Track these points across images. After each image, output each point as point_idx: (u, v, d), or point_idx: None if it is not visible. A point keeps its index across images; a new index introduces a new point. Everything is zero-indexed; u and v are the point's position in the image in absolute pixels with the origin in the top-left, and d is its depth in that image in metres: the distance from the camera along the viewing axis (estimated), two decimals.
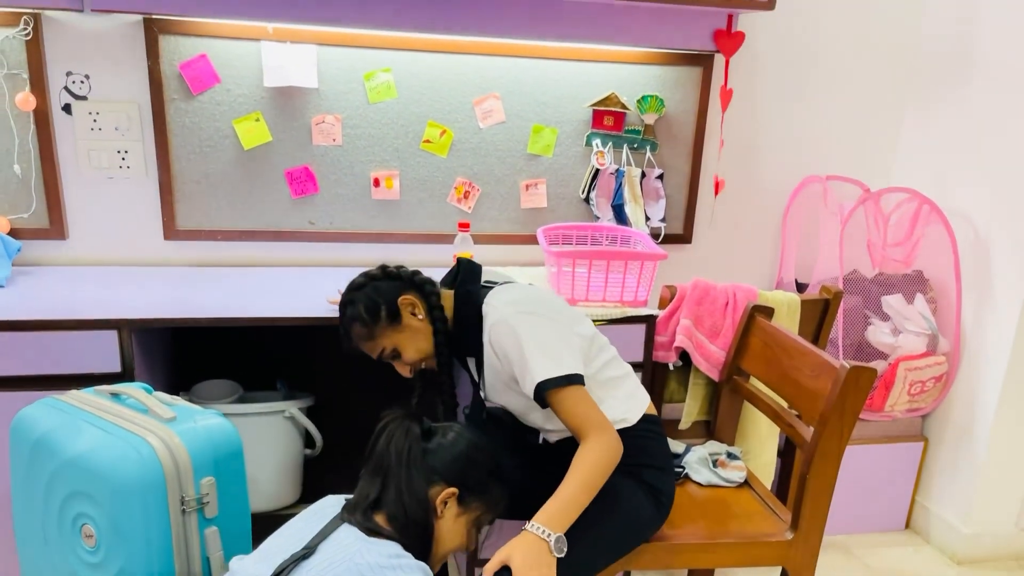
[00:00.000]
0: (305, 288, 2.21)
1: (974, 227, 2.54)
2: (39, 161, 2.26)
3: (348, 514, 1.41)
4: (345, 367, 2.58)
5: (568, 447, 1.58)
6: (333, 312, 1.99)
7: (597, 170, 2.55)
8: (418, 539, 1.39)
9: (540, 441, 1.80)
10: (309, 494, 2.48)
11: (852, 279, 2.64)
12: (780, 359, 1.92)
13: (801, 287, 2.73)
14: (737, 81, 2.62)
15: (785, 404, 1.99)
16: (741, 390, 2.09)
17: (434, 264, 2.55)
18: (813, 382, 1.77)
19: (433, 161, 2.50)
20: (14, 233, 2.28)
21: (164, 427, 1.57)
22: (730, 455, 2.08)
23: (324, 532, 1.38)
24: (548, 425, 1.72)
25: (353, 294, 1.71)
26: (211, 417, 1.65)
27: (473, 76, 2.44)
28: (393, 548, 1.33)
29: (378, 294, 1.69)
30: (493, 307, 1.64)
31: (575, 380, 1.55)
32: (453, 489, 1.43)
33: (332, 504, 1.48)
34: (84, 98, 2.27)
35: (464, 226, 2.29)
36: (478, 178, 2.54)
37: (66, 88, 2.25)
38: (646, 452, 1.71)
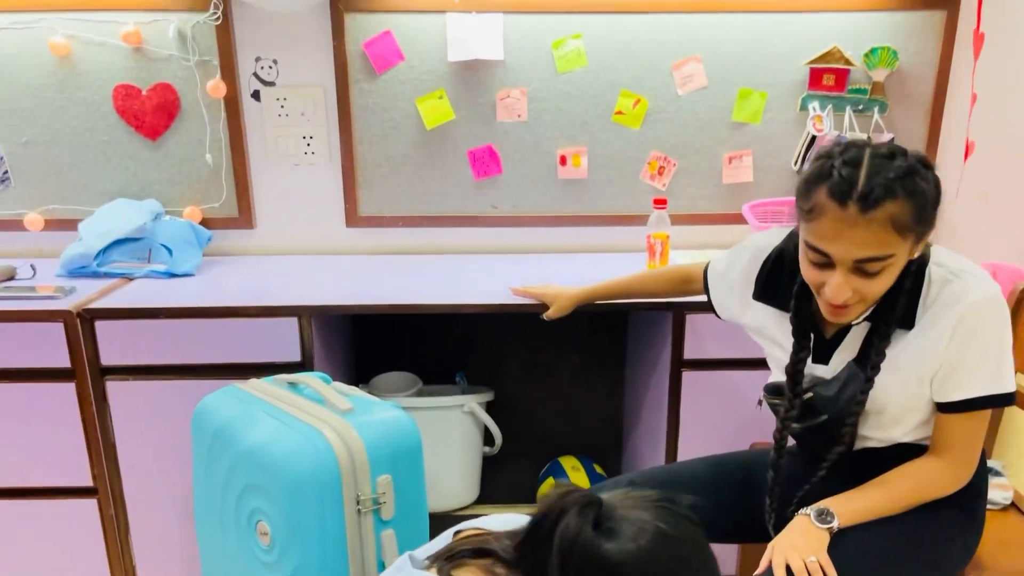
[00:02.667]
0: (487, 276, 2.08)
1: None
2: (229, 150, 2.27)
3: (437, 558, 1.02)
4: (527, 360, 2.46)
5: (871, 458, 1.38)
6: (515, 300, 1.85)
7: (814, 137, 2.23)
8: None
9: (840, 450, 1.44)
10: (487, 494, 2.40)
11: None
12: None
13: None
14: (991, 24, 2.20)
15: None
16: None
17: (626, 249, 2.35)
18: None
19: (625, 134, 2.28)
20: (205, 223, 2.30)
21: (340, 419, 1.48)
22: (992, 471, 1.72)
23: None
24: (882, 433, 1.39)
25: (922, 168, 1.18)
26: (389, 410, 1.54)
27: (672, 37, 2.21)
28: None
29: (936, 197, 1.20)
30: (974, 276, 1.26)
31: (1010, 401, 1.29)
32: None
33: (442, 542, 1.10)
34: (272, 84, 2.25)
35: (661, 203, 2.06)
36: (675, 151, 2.30)
37: (255, 74, 2.24)
38: (981, 477, 1.43)
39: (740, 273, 1.50)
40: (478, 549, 1.01)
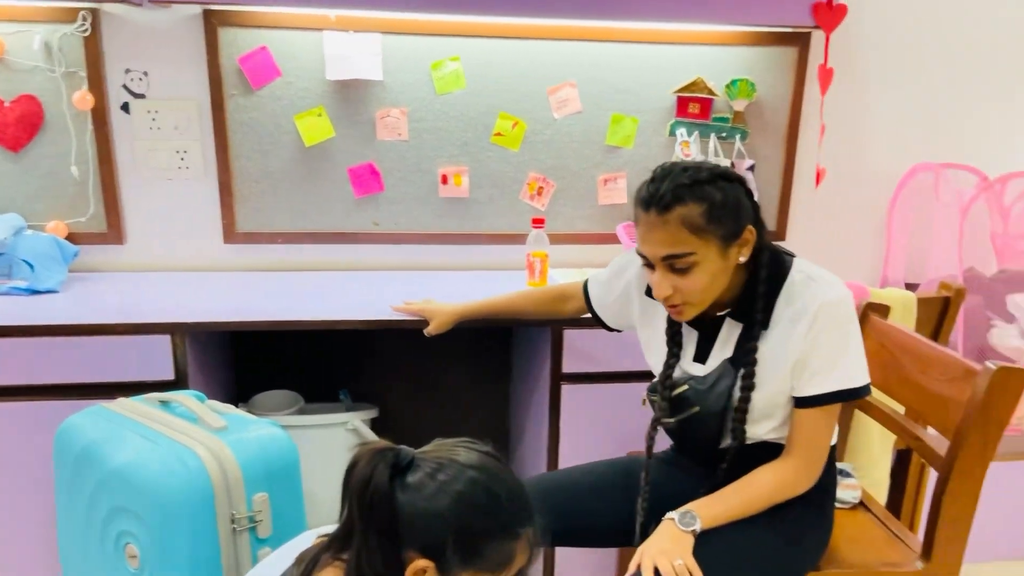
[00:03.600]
0: (370, 293, 2.08)
1: None
2: (97, 162, 2.18)
3: (296, 567, 1.10)
4: (412, 377, 2.46)
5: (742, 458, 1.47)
6: (397, 316, 1.85)
7: None
8: None
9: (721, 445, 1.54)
10: None
11: (971, 277, 2.38)
12: (900, 362, 1.69)
13: (910, 288, 2.47)
14: (838, 60, 2.39)
15: (901, 411, 1.75)
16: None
17: (506, 267, 2.39)
18: (946, 388, 1.53)
19: (504, 155, 2.34)
20: (71, 238, 2.20)
21: (214, 437, 1.45)
22: (842, 472, 1.84)
23: None
24: (751, 428, 1.48)
25: (717, 180, 1.33)
26: (265, 427, 1.52)
27: (547, 63, 2.28)
28: None
29: (734, 204, 1.33)
30: (827, 280, 1.38)
31: (862, 394, 1.41)
32: (425, 564, 1.01)
33: (305, 543, 1.19)
34: (143, 96, 2.18)
35: (539, 222, 2.12)
36: (553, 173, 2.37)
37: (124, 86, 2.17)
38: (829, 477, 1.53)
39: (635, 279, 1.59)
40: (333, 544, 1.06)
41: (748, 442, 1.47)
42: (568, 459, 1.97)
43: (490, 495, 1.03)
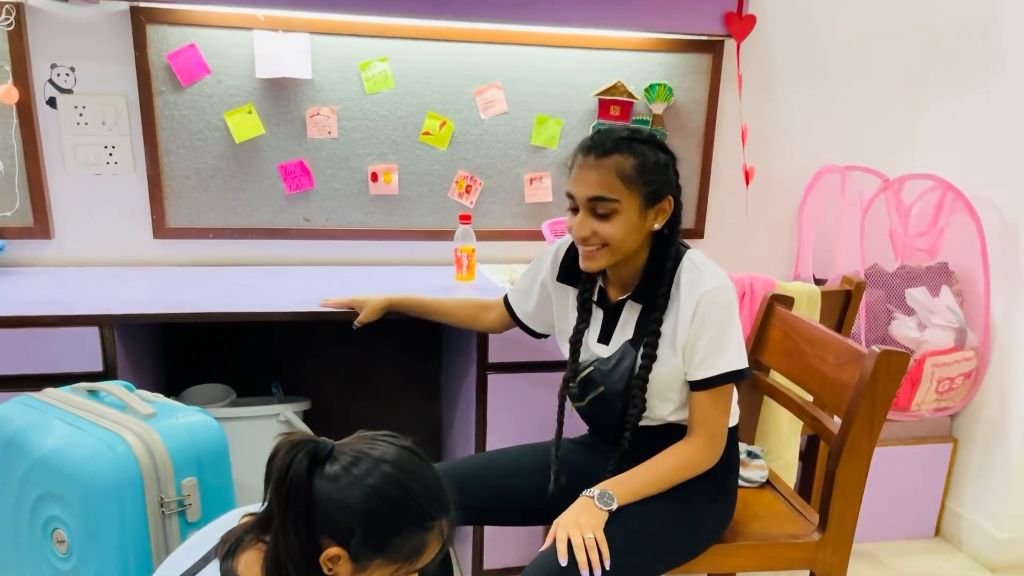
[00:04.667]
0: (300, 287, 2.12)
1: (1001, 215, 2.42)
2: (23, 157, 2.18)
3: (220, 547, 1.14)
4: (344, 370, 2.50)
5: (648, 439, 1.56)
6: (327, 310, 1.89)
7: None
8: None
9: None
10: None
11: (873, 273, 2.53)
12: (803, 350, 1.81)
13: (819, 283, 2.62)
14: (748, 68, 2.52)
15: (810, 399, 1.87)
16: (761, 386, 1.97)
17: (435, 263, 2.45)
18: (839, 372, 1.65)
19: (433, 154, 2.40)
20: None
21: (143, 424, 1.47)
22: (750, 454, 1.96)
23: (191, 571, 1.14)
24: (652, 411, 1.57)
25: (653, 144, 1.46)
26: (194, 414, 1.55)
27: (474, 65, 2.35)
28: None
29: (663, 168, 1.46)
30: (711, 271, 1.49)
31: (745, 375, 1.51)
32: (337, 551, 1.08)
33: (232, 521, 1.23)
34: (70, 91, 2.18)
35: (465, 218, 2.19)
36: (480, 171, 2.44)
37: (51, 81, 2.17)
38: (731, 456, 1.63)
39: (547, 270, 1.67)
40: (256, 526, 1.11)
41: (653, 423, 1.57)
42: (495, 445, 2.04)
43: (402, 489, 1.09)
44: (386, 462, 1.10)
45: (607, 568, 1.39)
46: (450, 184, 2.44)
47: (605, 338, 1.58)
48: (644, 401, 1.53)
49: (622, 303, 1.56)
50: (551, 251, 1.69)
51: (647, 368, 1.51)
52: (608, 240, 1.46)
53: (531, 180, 2.48)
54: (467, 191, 2.45)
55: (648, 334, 1.51)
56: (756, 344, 1.99)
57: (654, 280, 1.50)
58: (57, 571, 1.44)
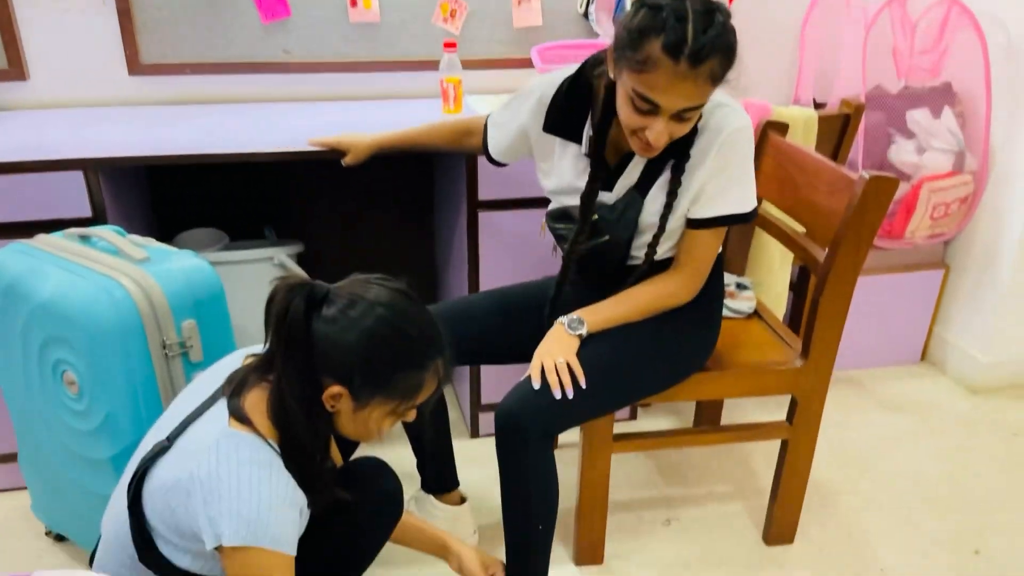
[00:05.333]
0: (285, 125, 2.11)
1: (1007, 32, 2.38)
2: None
3: (227, 386, 1.22)
4: (336, 211, 2.54)
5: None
6: (317, 149, 1.90)
7: None
8: (300, 436, 1.17)
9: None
10: None
11: (875, 95, 2.51)
12: (795, 179, 1.84)
13: (819, 107, 2.60)
14: None
15: (802, 231, 1.92)
16: None
17: (421, 95, 2.43)
18: (829, 200, 1.69)
19: None
20: None
21: (137, 268, 1.53)
22: (739, 285, 2.04)
23: (199, 410, 1.21)
24: (643, 251, 1.59)
25: (729, 21, 1.30)
26: (187, 258, 1.61)
27: None
28: (251, 450, 1.13)
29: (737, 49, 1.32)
30: (735, 109, 1.44)
31: (750, 219, 1.54)
32: (339, 389, 1.16)
33: (235, 362, 1.30)
34: None
35: (451, 46, 2.14)
36: None
37: None
38: (715, 284, 1.69)
39: (529, 115, 1.63)
40: (260, 366, 1.19)
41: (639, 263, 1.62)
42: (488, 285, 2.10)
43: (396, 330, 1.17)
44: (380, 304, 1.16)
45: (583, 387, 1.49)
46: (434, 8, 2.37)
47: (608, 184, 1.56)
48: (655, 253, 1.57)
49: (631, 151, 1.51)
50: (533, 95, 1.61)
51: (665, 219, 1.51)
52: (677, 136, 1.40)
53: (519, 1, 2.41)
54: (452, 16, 2.39)
55: (671, 181, 1.49)
56: None
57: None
58: (72, 412, 1.55)
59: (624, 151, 1.53)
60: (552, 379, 1.48)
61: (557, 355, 1.50)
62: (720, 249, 1.65)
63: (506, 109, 1.71)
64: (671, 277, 1.59)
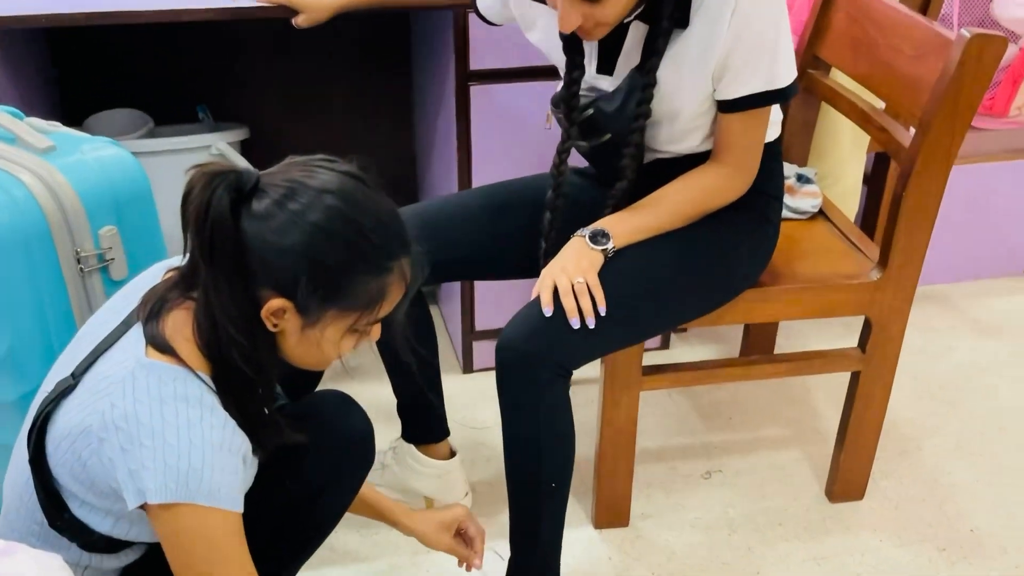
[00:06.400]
0: None
1: None
2: None
3: (142, 308, 1.17)
4: (289, 88, 2.52)
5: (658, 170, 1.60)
6: (262, 4, 1.85)
7: None
8: (237, 365, 1.14)
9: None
10: None
11: None
12: (873, 39, 1.80)
13: None
14: None
15: (880, 106, 1.90)
16: (817, 90, 1.99)
17: None
18: (916, 66, 1.66)
19: None
20: None
21: (41, 161, 1.51)
22: (800, 178, 2.03)
23: (110, 339, 1.18)
24: (675, 145, 1.60)
25: None
26: (104, 147, 1.60)
27: None
28: (175, 384, 1.11)
29: None
30: None
31: (789, 94, 1.53)
32: (281, 303, 1.13)
33: (155, 277, 1.26)
34: None
35: None
36: None
37: None
38: (772, 178, 1.68)
39: None
40: (181, 281, 1.18)
41: (675, 156, 1.61)
42: (482, 179, 2.09)
43: (351, 224, 1.12)
44: (328, 192, 1.12)
45: (602, 315, 1.49)
46: None
47: (607, 67, 1.54)
48: (641, 152, 1.56)
49: (626, 25, 1.49)
50: None
51: (645, 115, 1.51)
52: (609, 19, 1.41)
53: None
54: None
55: (652, 59, 1.47)
56: (815, 34, 1.98)
57: None
58: None
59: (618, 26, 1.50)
60: (568, 304, 1.47)
61: (575, 274, 1.49)
62: (777, 127, 1.63)
63: None
64: (710, 170, 1.58)
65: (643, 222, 1.56)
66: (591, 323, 1.48)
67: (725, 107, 1.53)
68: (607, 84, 1.56)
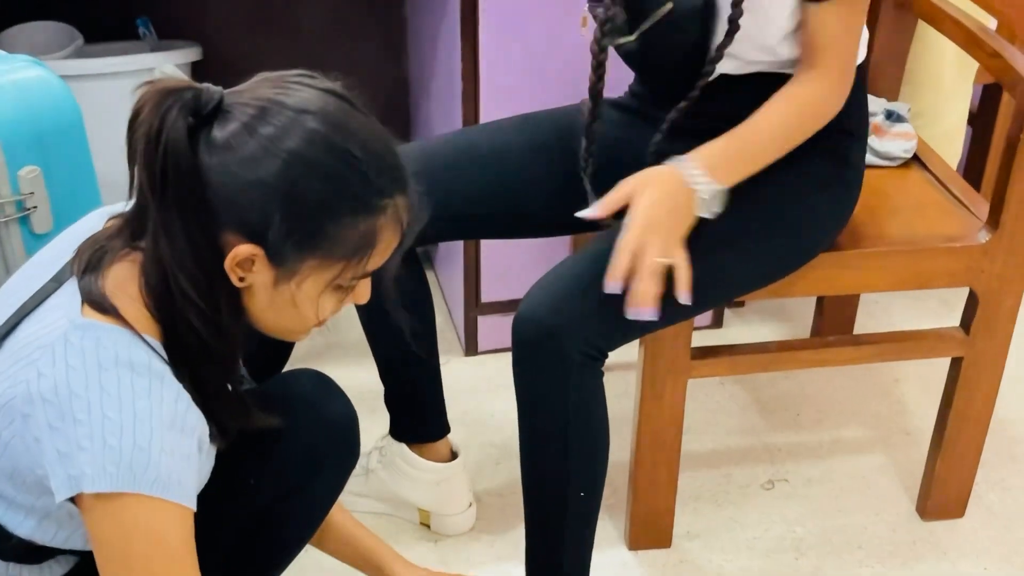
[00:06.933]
0: None
1: None
2: None
3: (77, 261, 1.17)
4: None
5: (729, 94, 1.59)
6: None
7: None
8: (193, 327, 1.14)
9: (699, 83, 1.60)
10: None
11: None
12: None
13: None
14: None
15: (992, 24, 1.89)
16: (913, 4, 1.99)
17: None
18: None
19: None
20: None
21: None
22: (891, 115, 2.03)
23: (38, 297, 1.18)
24: (755, 50, 1.59)
25: None
26: (25, 68, 1.61)
27: None
28: (116, 347, 1.10)
29: None
30: None
31: None
32: (250, 249, 1.12)
33: (94, 227, 1.25)
34: None
35: None
36: None
37: None
38: (854, 113, 1.66)
39: None
40: (126, 227, 1.18)
41: (738, 71, 1.59)
42: (494, 114, 2.05)
43: (336, 152, 1.13)
44: (308, 113, 1.12)
45: (683, 302, 1.47)
46: None
47: None
48: (739, 14, 1.51)
49: None
50: None
51: None
52: None
53: None
54: None
55: None
56: None
57: None
58: None
59: None
60: (644, 290, 1.45)
61: (661, 245, 1.46)
62: (863, 49, 1.63)
63: None
64: (805, 81, 1.57)
65: (747, 158, 1.55)
66: (653, 315, 1.46)
67: None
68: None
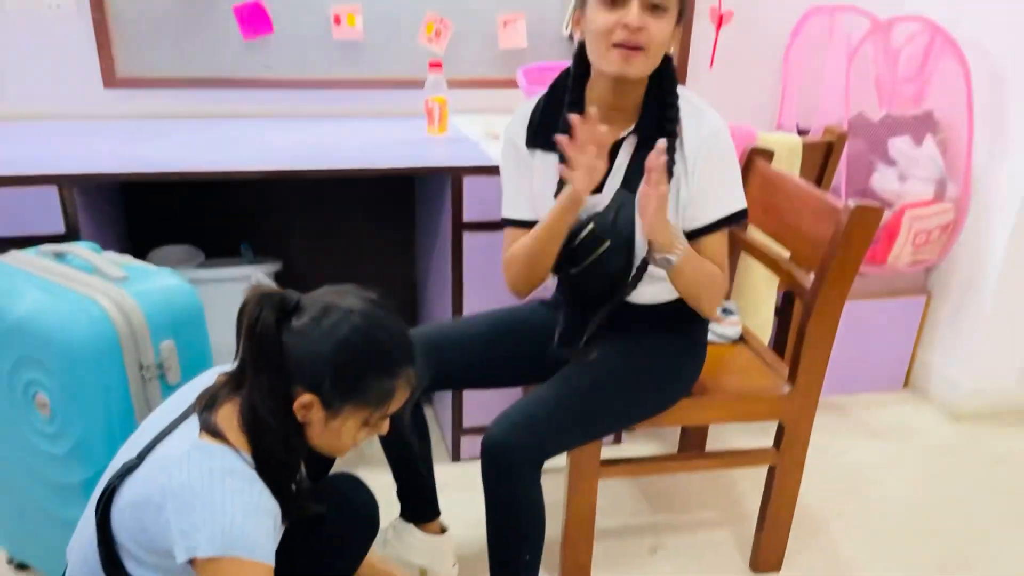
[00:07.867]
0: (264, 141, 2.11)
1: (990, 59, 2.44)
2: None
3: (199, 402, 1.21)
4: (314, 229, 2.54)
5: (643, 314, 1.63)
6: (301, 164, 1.90)
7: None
8: (272, 446, 1.17)
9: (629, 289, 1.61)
10: None
11: (858, 123, 2.56)
12: (780, 205, 1.87)
13: (802, 133, 2.65)
14: None
15: (787, 255, 1.95)
16: (738, 241, 2.04)
17: (406, 114, 2.44)
18: (815, 227, 1.72)
19: None
20: None
21: (115, 288, 1.52)
22: (725, 311, 2.06)
23: (170, 427, 1.20)
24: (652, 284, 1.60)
25: None
26: (167, 277, 1.60)
27: None
28: (223, 460, 1.13)
29: None
30: (710, 111, 1.53)
31: (746, 216, 1.57)
32: (310, 398, 1.17)
33: (209, 380, 1.29)
34: None
35: (436, 66, 2.16)
36: (450, 13, 2.39)
37: None
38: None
39: (512, 144, 1.64)
40: (232, 381, 1.21)
41: (641, 303, 1.63)
42: (472, 308, 2.09)
43: (369, 337, 1.18)
44: (354, 312, 1.18)
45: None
46: (419, 27, 2.39)
47: (598, 187, 1.52)
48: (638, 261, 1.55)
49: (618, 144, 1.54)
50: (512, 130, 1.62)
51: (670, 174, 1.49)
52: (651, 43, 1.41)
53: (505, 23, 2.44)
54: (437, 35, 2.41)
55: (656, 169, 1.43)
56: None
57: (657, 110, 1.50)
58: (43, 435, 1.52)
59: (612, 145, 1.53)
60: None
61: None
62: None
63: (504, 179, 1.68)
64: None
65: (697, 264, 1.53)
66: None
67: (705, 230, 1.55)
68: (598, 200, 1.55)
